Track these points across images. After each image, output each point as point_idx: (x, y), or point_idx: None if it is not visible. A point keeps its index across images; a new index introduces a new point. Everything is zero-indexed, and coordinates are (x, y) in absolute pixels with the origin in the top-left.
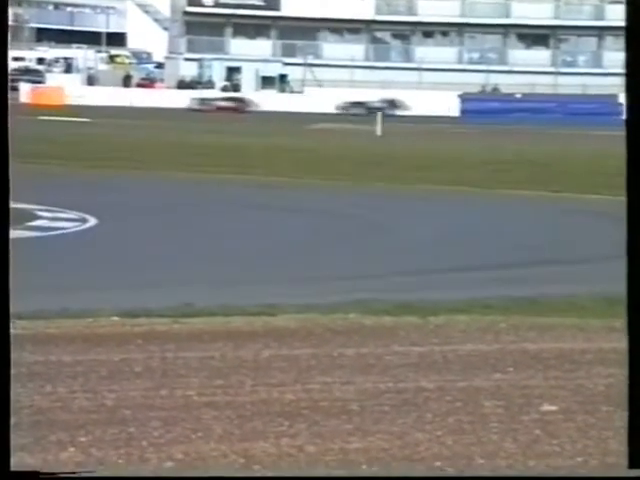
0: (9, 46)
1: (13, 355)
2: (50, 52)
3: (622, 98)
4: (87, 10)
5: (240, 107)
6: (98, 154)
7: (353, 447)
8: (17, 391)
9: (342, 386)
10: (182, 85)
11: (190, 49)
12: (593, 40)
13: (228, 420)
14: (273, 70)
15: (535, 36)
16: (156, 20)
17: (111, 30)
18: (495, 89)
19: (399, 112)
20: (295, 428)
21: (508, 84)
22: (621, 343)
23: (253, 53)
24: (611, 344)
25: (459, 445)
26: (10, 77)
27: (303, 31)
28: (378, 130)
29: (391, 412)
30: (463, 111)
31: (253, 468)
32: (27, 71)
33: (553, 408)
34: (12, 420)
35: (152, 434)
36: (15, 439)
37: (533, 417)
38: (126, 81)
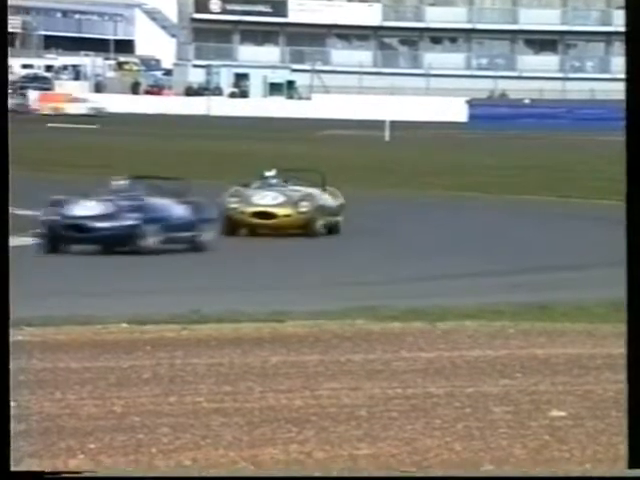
0: (9, 53)
1: (22, 362)
2: (58, 59)
3: None
4: (95, 17)
5: None
6: (100, 160)
7: (362, 453)
8: (26, 398)
9: (350, 392)
10: (190, 92)
11: (198, 56)
12: (601, 45)
13: (237, 426)
14: (281, 76)
15: (543, 42)
16: (164, 27)
17: (119, 37)
18: (503, 95)
19: None
20: (304, 434)
21: (516, 90)
22: None
23: (261, 59)
24: (620, 350)
25: (468, 451)
26: (19, 84)
27: (311, 37)
28: (386, 136)
29: (400, 418)
30: (471, 117)
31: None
32: (35, 78)
33: (562, 414)
34: (22, 427)
35: (161, 440)
36: (25, 446)
37: (542, 423)
38: (134, 88)
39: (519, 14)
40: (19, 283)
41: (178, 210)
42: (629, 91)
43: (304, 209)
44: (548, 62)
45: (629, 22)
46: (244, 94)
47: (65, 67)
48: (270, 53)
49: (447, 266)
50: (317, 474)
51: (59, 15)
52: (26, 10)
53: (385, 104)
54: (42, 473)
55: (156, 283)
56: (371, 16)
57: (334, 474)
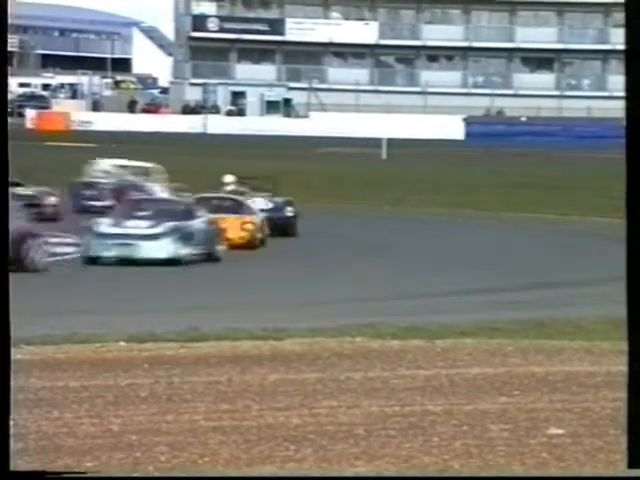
0: (9, 72)
1: (20, 381)
2: (56, 78)
3: None
4: (92, 36)
5: None
6: None
7: (360, 471)
8: (24, 417)
9: (348, 410)
10: (187, 110)
11: (195, 74)
12: (597, 63)
13: (235, 445)
14: (278, 94)
15: (539, 60)
16: (161, 46)
17: (116, 56)
18: (500, 112)
19: None
20: (301, 453)
21: (513, 107)
22: None
23: (258, 78)
24: (619, 367)
25: (466, 469)
26: (16, 103)
27: (307, 55)
28: (383, 154)
29: (397, 436)
30: (468, 134)
31: None
32: (33, 97)
33: (560, 431)
34: (19, 446)
35: (159, 459)
36: (21, 465)
37: (540, 440)
38: (131, 106)
39: (515, 32)
40: None
41: None
42: (629, 108)
43: None
44: (544, 80)
45: (629, 40)
46: (241, 112)
47: (62, 86)
48: (267, 71)
49: (446, 283)
50: (316, 474)
51: (56, 34)
52: (24, 29)
53: (382, 122)
54: (44, 473)
55: None
56: (368, 34)
57: (333, 474)
